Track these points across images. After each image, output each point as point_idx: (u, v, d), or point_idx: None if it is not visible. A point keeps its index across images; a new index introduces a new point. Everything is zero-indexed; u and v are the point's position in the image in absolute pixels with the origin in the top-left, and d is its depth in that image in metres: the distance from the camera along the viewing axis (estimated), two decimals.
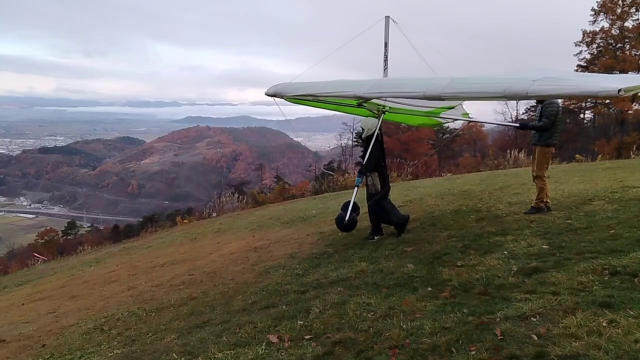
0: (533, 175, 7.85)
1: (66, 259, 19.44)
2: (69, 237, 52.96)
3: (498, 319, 3.90)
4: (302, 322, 4.66)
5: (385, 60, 8.91)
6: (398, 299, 4.81)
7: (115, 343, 5.37)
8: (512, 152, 22.76)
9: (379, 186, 7.75)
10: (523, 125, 9.64)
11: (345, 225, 7.52)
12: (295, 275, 6.64)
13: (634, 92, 5.30)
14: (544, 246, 5.74)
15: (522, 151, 22.96)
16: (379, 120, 7.84)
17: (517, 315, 3.91)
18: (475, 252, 5.98)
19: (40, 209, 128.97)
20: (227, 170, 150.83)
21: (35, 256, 22.12)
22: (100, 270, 11.68)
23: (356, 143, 47.19)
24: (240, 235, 12.46)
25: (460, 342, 3.62)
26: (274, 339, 4.39)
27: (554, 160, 22.42)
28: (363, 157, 7.78)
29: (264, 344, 4.31)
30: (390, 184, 8.32)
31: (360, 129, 7.87)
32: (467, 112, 9.61)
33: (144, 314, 6.30)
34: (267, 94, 7.94)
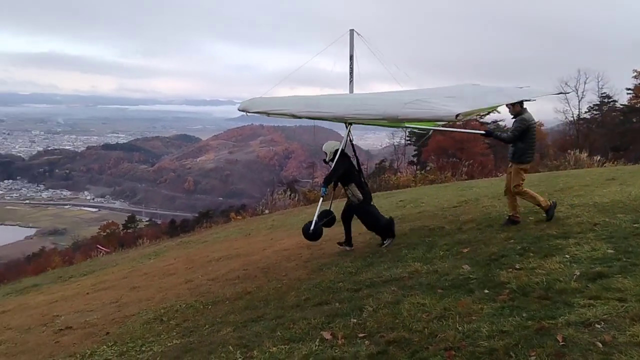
0: (513, 191, 7.69)
1: (126, 251, 20.23)
2: (128, 231, 54.96)
3: (560, 325, 3.76)
4: (355, 320, 4.66)
5: (351, 73, 8.93)
6: (453, 300, 4.73)
7: (174, 333, 5.56)
8: (573, 153, 21.88)
9: (360, 195, 7.83)
10: (489, 133, 9.29)
11: (310, 234, 7.56)
12: (348, 273, 6.65)
13: (470, 115, 5.70)
14: (609, 250, 5.49)
15: (584, 151, 22.05)
16: (347, 131, 7.86)
17: (580, 322, 3.76)
18: (534, 254, 5.80)
19: (102, 203, 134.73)
20: (280, 168, 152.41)
21: (99, 248, 23.12)
22: (159, 263, 12.10)
23: (409, 142, 46.69)
24: (292, 232, 12.57)
25: (520, 346, 3.52)
26: (327, 335, 4.41)
27: (620, 161, 21.42)
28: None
29: (318, 340, 4.35)
30: (445, 184, 8.26)
31: (324, 153, 7.97)
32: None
33: (201, 307, 6.48)
34: (239, 109, 8.13)
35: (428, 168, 34.02)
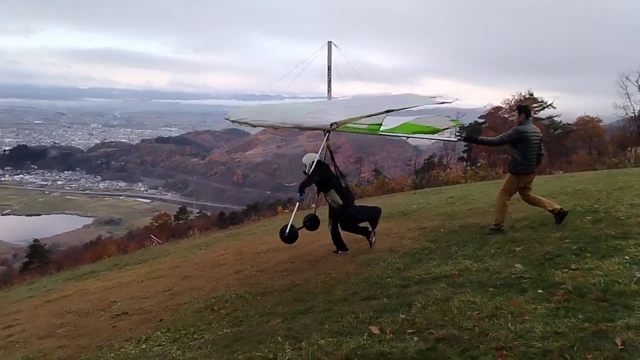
0: (498, 193, 7.93)
1: (178, 241, 20.82)
2: (180, 222, 56.48)
3: (618, 328, 3.63)
4: (403, 316, 4.64)
5: (329, 82, 9.23)
6: (505, 299, 4.64)
7: (225, 322, 5.69)
8: (634, 150, 20.92)
9: (340, 200, 8.11)
10: (470, 139, 9.02)
11: (286, 236, 7.68)
12: (396, 269, 6.61)
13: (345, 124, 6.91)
14: None
15: None
16: (324, 139, 8.20)
17: None
18: (591, 255, 5.60)
19: (155, 194, 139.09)
20: (327, 163, 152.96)
21: (152, 238, 23.90)
22: (210, 254, 12.39)
23: (459, 137, 45.69)
24: None
25: (575, 348, 3.42)
26: (375, 330, 4.42)
27: None
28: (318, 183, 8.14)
29: (366, 334, 4.35)
30: (496, 181, 8.20)
31: (304, 165, 8.20)
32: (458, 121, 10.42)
33: (250, 297, 6.60)
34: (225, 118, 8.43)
35: (479, 164, 33.33)
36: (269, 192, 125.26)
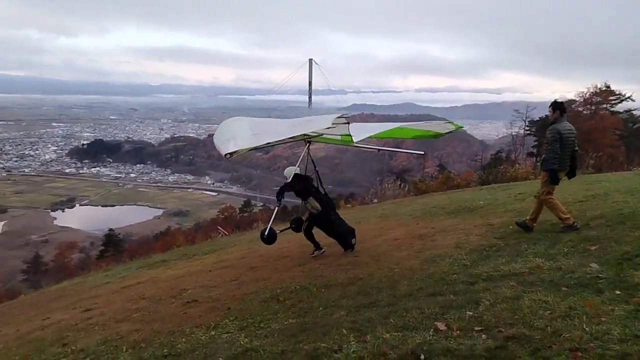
0: (540, 198, 7.84)
1: (243, 233, 21.33)
2: (244, 214, 57.77)
3: None
4: (471, 313, 4.56)
5: (310, 96, 9.36)
6: (579, 299, 4.45)
7: (290, 313, 5.80)
8: None
9: (319, 206, 8.83)
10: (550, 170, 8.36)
11: (265, 237, 8.52)
12: (463, 265, 6.49)
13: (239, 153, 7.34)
14: None
15: None
16: (305, 148, 9.20)
17: None
18: None
19: (221, 187, 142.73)
20: (389, 157, 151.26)
21: (219, 229, 24.60)
22: (274, 246, 12.58)
23: (529, 132, 44.08)
24: (403, 221, 12.51)
25: None
26: (441, 326, 4.36)
27: None
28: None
29: (432, 330, 4.31)
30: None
31: (285, 177, 8.88)
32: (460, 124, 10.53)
33: (314, 289, 6.69)
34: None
35: None
36: (330, 186, 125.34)
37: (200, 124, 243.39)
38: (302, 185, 8.78)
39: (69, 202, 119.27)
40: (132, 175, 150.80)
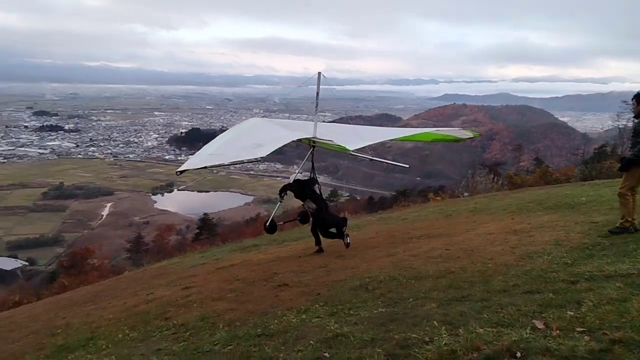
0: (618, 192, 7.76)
1: None
2: (331, 204, 58.38)
3: None
4: (572, 313, 4.33)
5: (317, 106, 11.28)
6: None
7: (379, 302, 5.81)
8: None
9: (314, 205, 9.97)
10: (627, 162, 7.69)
11: (267, 227, 10.19)
12: (563, 264, 6.17)
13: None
14: None
15: None
16: (309, 154, 10.57)
17: None
18: None
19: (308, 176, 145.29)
20: (482, 149, 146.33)
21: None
22: (361, 236, 12.69)
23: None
24: (497, 216, 12.09)
25: None
26: (539, 324, 4.19)
27: None
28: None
29: (529, 328, 4.15)
30: None
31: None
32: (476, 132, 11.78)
33: (404, 280, 6.65)
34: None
35: None
36: (419, 178, 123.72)
37: (290, 113, 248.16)
38: (299, 188, 10.04)
39: (168, 187, 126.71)
40: (225, 163, 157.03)
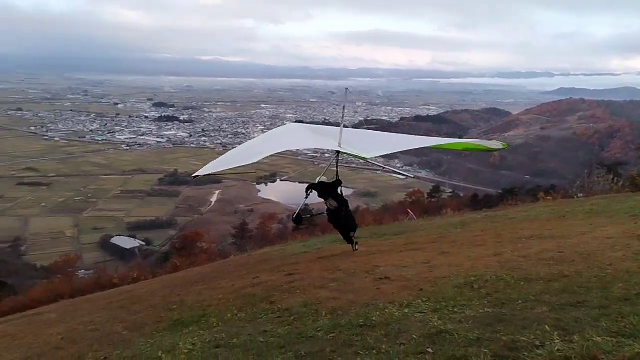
0: None
1: (432, 218, 21.17)
2: (432, 200, 57.13)
3: None
4: None
5: (342, 117, 11.68)
6: None
7: (486, 302, 5.63)
8: None
9: (336, 204, 10.58)
10: None
11: (293, 218, 11.36)
12: None
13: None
14: None
15: None
16: (333, 159, 11.27)
17: None
18: None
19: (410, 171, 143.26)
20: (600, 148, 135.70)
21: (410, 213, 24.77)
22: (466, 234, 12.33)
23: None
24: (617, 219, 11.19)
25: None
26: None
27: None
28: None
29: None
30: None
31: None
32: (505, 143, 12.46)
33: (512, 281, 6.38)
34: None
35: None
36: (528, 176, 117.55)
37: (393, 107, 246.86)
38: (323, 189, 10.62)
39: (272, 177, 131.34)
40: (327, 155, 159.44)
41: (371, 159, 10.57)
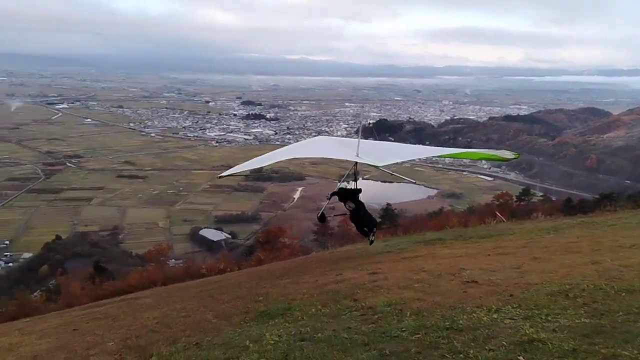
0: None
1: (521, 222, 20.26)
2: (521, 203, 54.70)
3: None
4: None
5: (359, 131, 12.48)
6: None
7: (582, 312, 5.33)
8: None
9: (353, 205, 11.45)
10: None
11: (318, 217, 13.06)
12: None
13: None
14: None
15: None
16: (352, 168, 12.06)
17: None
18: None
19: (498, 173, 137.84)
20: None
21: (497, 215, 23.89)
22: (559, 239, 11.71)
23: None
24: None
25: None
26: None
27: None
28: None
29: None
30: None
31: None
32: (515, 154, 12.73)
33: (612, 292, 5.99)
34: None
35: None
36: (628, 181, 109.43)
37: (481, 106, 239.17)
38: (344, 194, 11.61)
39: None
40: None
41: (383, 166, 11.22)
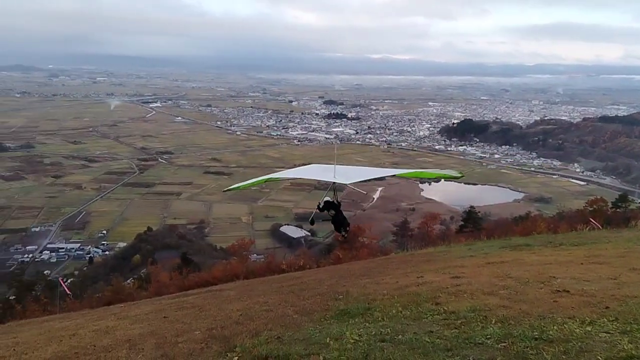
0: None
1: (618, 230, 18.97)
2: (618, 210, 51.11)
3: None
4: None
5: (335, 158, 13.74)
6: None
7: None
8: None
9: (334, 212, 13.43)
10: None
11: (310, 221, 16.15)
12: None
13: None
14: None
15: None
16: (330, 187, 13.74)
17: None
18: None
19: (591, 177, 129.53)
20: None
21: (591, 222, 22.47)
22: None
23: None
24: None
25: None
26: None
27: None
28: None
29: None
30: None
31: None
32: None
33: None
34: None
35: None
36: None
37: (575, 106, 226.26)
38: (327, 206, 13.46)
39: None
40: (497, 156, 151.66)
41: (350, 184, 13.77)
